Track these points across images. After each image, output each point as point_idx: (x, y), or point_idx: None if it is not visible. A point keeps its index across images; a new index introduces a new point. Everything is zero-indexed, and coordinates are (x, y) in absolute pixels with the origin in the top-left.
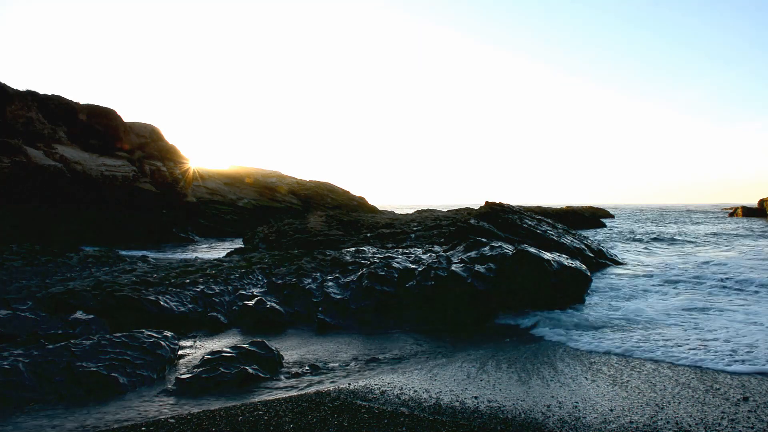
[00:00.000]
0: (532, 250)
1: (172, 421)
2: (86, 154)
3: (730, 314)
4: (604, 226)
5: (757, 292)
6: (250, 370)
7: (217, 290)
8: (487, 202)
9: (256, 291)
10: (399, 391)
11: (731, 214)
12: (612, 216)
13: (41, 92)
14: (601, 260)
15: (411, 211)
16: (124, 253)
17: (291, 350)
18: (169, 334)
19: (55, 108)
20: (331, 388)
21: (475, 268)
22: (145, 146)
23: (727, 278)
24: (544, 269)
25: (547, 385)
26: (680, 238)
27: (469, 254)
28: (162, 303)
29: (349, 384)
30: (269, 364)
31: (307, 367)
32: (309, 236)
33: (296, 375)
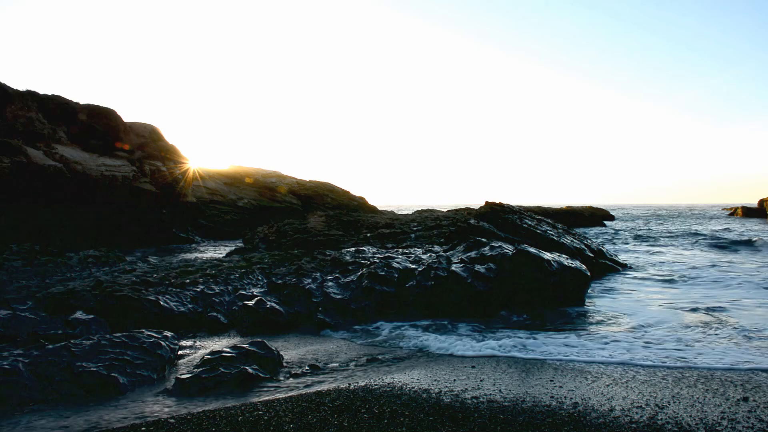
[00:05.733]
0: (532, 250)
1: (172, 421)
2: (86, 154)
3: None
4: (604, 226)
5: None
6: (250, 370)
7: (217, 290)
8: (487, 202)
9: (256, 291)
10: (399, 391)
11: (731, 214)
12: (612, 216)
13: (41, 92)
14: (601, 260)
15: (411, 211)
16: (123, 253)
17: (291, 350)
18: (169, 334)
19: (55, 108)
20: (331, 388)
21: (475, 268)
22: (145, 146)
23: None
24: (544, 269)
25: (545, 386)
26: (680, 238)
27: (469, 254)
28: (162, 303)
29: (349, 384)
30: (269, 364)
31: (307, 367)
32: (309, 236)
33: (296, 375)
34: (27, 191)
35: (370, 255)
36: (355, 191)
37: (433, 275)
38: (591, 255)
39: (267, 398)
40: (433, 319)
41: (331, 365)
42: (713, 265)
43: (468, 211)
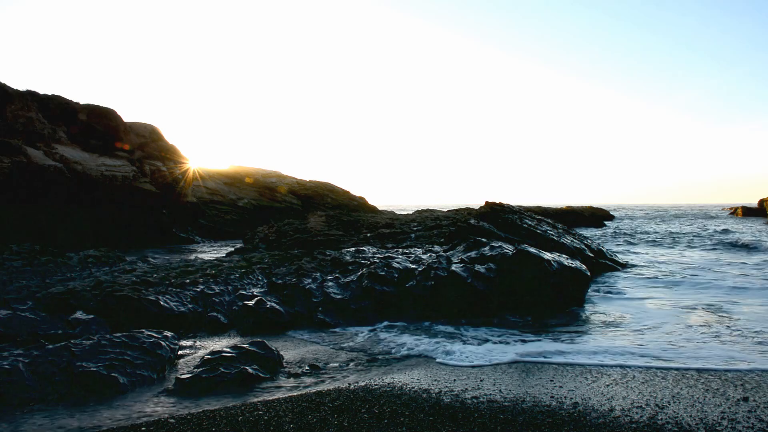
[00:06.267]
0: (532, 250)
1: (172, 421)
2: (86, 154)
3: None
4: (604, 226)
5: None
6: (250, 370)
7: (217, 290)
8: (487, 202)
9: (256, 291)
10: (399, 391)
11: (731, 214)
12: (612, 216)
13: (41, 92)
14: (601, 260)
15: (411, 211)
16: (123, 253)
17: (291, 350)
18: (169, 334)
19: (55, 108)
20: (331, 388)
21: (475, 268)
22: (145, 146)
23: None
24: (544, 269)
25: (545, 386)
26: (680, 238)
27: (469, 254)
28: (162, 303)
29: (349, 384)
30: (269, 364)
31: (307, 367)
32: (309, 236)
33: (296, 375)
34: (27, 191)
35: (370, 255)
36: (355, 191)
37: (433, 275)
38: (591, 255)
39: (267, 398)
40: (432, 321)
41: (331, 365)
42: (713, 265)
43: (468, 211)
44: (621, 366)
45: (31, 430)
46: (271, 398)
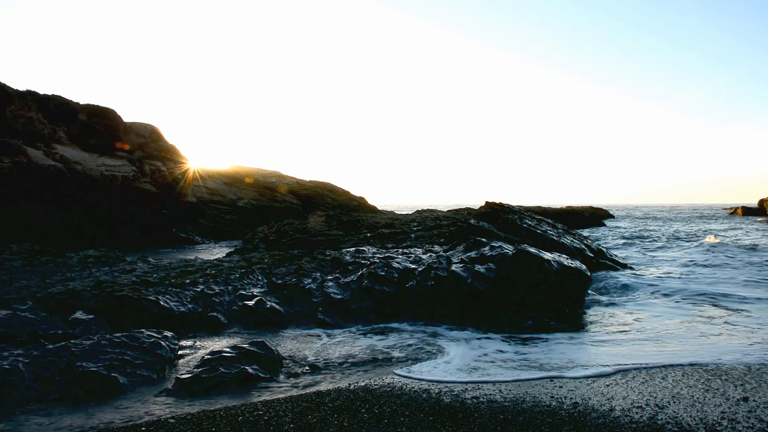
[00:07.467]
0: (532, 250)
1: (172, 421)
2: (86, 154)
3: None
4: (604, 226)
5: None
6: (250, 370)
7: (217, 290)
8: (487, 202)
9: (256, 291)
10: (399, 391)
11: (731, 213)
12: (612, 216)
13: (41, 92)
14: (601, 260)
15: (411, 211)
16: (123, 253)
17: (291, 350)
18: (169, 334)
19: (55, 108)
20: (331, 388)
21: (475, 268)
22: (145, 146)
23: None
24: (544, 269)
25: (545, 386)
26: (680, 239)
27: (469, 254)
28: (162, 303)
29: (349, 384)
30: (269, 364)
31: (307, 367)
32: (309, 236)
33: (296, 375)
34: (27, 191)
35: (370, 255)
36: (355, 191)
37: (433, 275)
38: (591, 255)
39: (267, 398)
40: (432, 321)
41: (331, 365)
42: (713, 264)
43: (468, 211)
44: (621, 366)
45: (31, 430)
46: (271, 398)
